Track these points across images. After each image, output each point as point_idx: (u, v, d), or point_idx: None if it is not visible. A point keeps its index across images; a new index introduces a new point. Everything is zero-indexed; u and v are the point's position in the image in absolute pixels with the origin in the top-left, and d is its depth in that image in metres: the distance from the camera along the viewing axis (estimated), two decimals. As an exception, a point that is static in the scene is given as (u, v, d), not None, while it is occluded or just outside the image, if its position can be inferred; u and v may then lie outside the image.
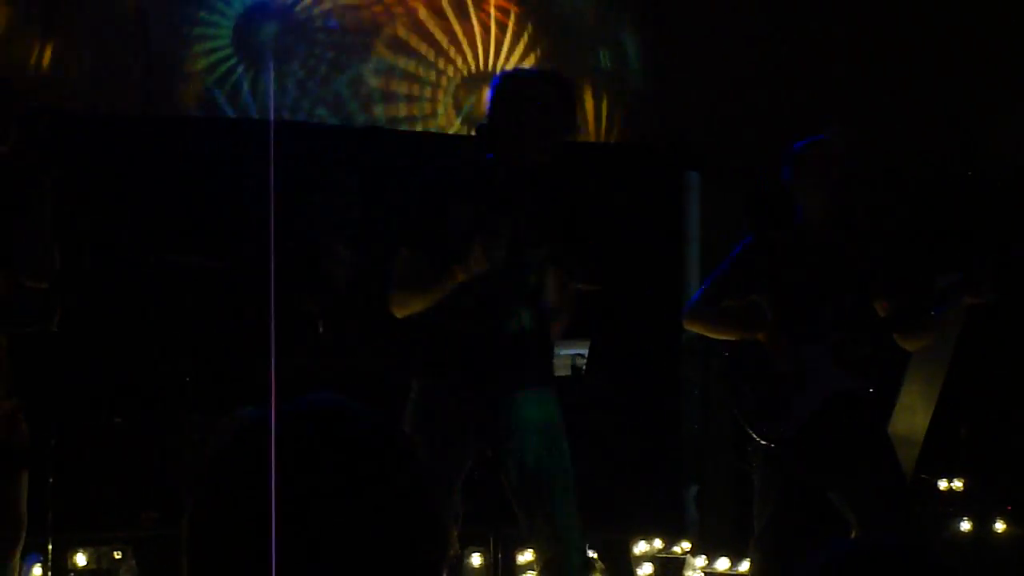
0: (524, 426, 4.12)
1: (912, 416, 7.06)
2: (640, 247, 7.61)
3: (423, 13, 7.24)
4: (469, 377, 4.13)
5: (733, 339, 4.77)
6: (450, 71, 7.37)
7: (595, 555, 6.09)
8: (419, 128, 7.33)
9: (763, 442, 4.66)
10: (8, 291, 4.15)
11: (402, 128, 7.33)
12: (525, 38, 7.34)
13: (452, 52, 7.33)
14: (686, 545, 6.54)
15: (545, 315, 4.24)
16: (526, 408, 4.14)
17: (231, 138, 6.87)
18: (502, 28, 7.32)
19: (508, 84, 4.32)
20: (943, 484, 7.12)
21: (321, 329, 6.32)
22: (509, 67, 7.25)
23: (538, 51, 7.40)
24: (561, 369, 6.93)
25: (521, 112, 4.19)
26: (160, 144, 6.91)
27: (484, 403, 4.13)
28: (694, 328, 4.90)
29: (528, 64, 7.31)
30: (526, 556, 6.01)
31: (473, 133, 4.30)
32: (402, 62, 7.29)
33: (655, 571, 6.35)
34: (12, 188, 4.11)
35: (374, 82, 7.26)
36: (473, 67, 7.40)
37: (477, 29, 7.31)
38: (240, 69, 7.05)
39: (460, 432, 4.14)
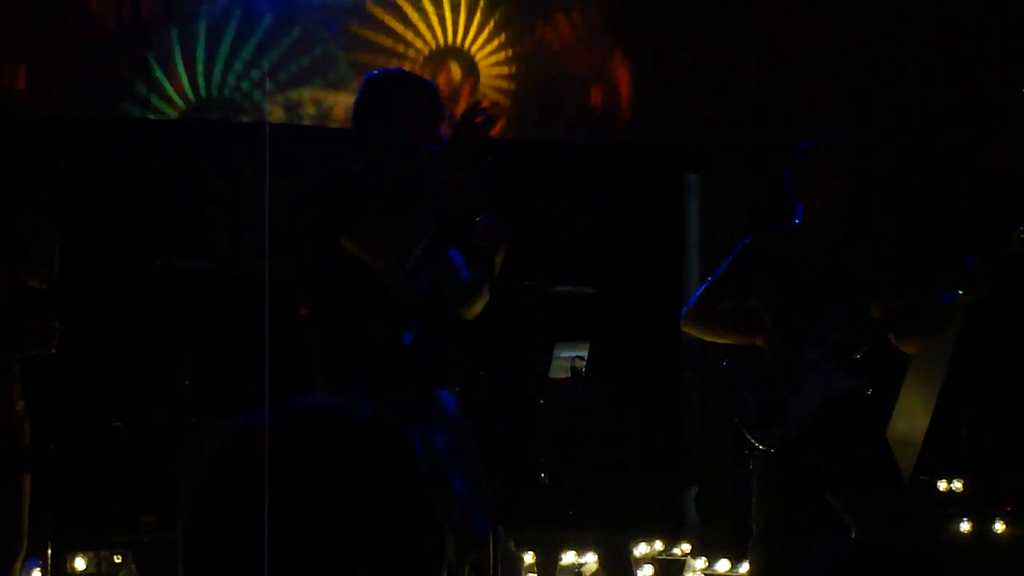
0: (432, 429, 4.11)
1: (911, 417, 7.06)
2: (639, 249, 7.61)
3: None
4: (377, 384, 4.10)
5: (730, 342, 4.77)
6: (419, 44, 7.21)
7: (595, 557, 6.10)
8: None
9: (761, 446, 4.66)
10: (9, 289, 4.15)
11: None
12: (495, 19, 7.21)
13: (422, 27, 7.16)
14: (686, 547, 6.53)
15: (440, 321, 4.22)
16: (432, 411, 4.14)
17: (227, 140, 6.87)
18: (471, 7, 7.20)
19: (377, 91, 4.12)
20: (943, 485, 7.12)
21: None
22: (476, 44, 7.14)
23: (509, 32, 7.25)
24: (560, 371, 6.94)
25: (393, 122, 4.05)
26: (156, 146, 6.91)
27: (394, 409, 4.10)
28: (691, 331, 4.89)
29: (496, 43, 7.22)
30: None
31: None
32: (370, 35, 7.13)
33: (655, 573, 6.34)
34: (12, 189, 4.11)
35: (343, 55, 7.08)
36: (441, 42, 7.23)
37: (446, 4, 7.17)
38: None
39: None
